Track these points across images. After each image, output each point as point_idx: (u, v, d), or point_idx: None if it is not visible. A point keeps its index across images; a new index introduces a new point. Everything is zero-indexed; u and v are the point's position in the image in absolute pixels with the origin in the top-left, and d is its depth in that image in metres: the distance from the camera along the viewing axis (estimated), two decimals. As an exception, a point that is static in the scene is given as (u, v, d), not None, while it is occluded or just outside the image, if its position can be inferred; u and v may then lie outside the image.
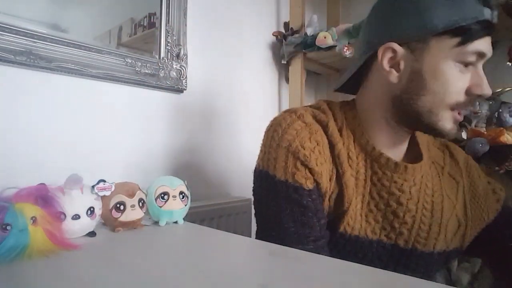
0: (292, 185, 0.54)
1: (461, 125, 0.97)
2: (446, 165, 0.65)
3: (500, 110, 0.94)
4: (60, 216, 0.51)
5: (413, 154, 0.63)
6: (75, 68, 0.78)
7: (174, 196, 0.65)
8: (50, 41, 0.75)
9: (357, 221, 0.57)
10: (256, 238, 0.63)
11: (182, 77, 1.00)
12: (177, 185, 0.67)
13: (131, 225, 0.61)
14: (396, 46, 0.53)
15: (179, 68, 1.00)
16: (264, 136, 0.61)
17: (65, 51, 0.77)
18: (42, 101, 0.76)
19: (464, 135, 0.94)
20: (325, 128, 0.58)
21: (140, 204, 0.62)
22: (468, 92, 0.52)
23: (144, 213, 0.63)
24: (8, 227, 0.43)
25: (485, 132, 0.92)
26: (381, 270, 0.42)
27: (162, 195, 0.65)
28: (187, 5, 1.01)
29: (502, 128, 0.91)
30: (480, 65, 0.53)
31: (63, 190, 0.53)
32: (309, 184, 0.54)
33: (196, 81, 1.06)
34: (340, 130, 0.59)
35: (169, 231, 0.63)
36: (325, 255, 0.52)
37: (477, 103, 0.96)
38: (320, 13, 1.47)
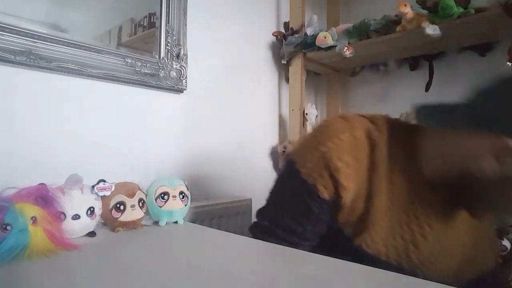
0: (309, 188, 0.56)
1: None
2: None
3: (500, 110, 0.94)
4: (60, 216, 0.51)
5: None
6: (75, 68, 0.78)
7: (174, 196, 0.66)
8: (50, 41, 0.75)
9: (375, 242, 0.57)
10: (257, 210, 0.66)
11: (182, 77, 1.00)
12: (177, 185, 0.67)
13: (131, 225, 0.61)
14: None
15: (179, 68, 0.99)
16: (312, 130, 0.63)
17: (65, 51, 0.77)
18: (42, 101, 0.76)
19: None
20: (373, 148, 0.56)
21: (140, 204, 0.62)
22: None
23: (144, 213, 0.64)
24: (8, 227, 0.43)
25: (485, 132, 0.91)
26: (381, 270, 0.42)
27: (162, 195, 0.65)
28: (187, 5, 1.01)
29: (502, 128, 0.90)
30: None
31: (63, 190, 0.53)
32: (326, 195, 0.55)
33: (196, 81, 1.06)
34: (392, 153, 0.56)
35: (169, 231, 0.63)
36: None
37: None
38: (320, 13, 1.47)
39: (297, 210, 0.57)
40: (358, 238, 0.56)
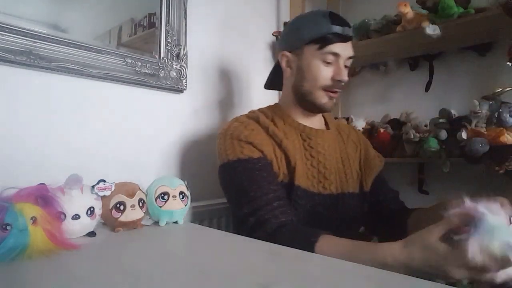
0: (244, 159, 0.73)
1: (461, 125, 0.97)
2: (350, 134, 0.93)
3: (500, 110, 0.94)
4: (60, 216, 0.51)
5: (327, 127, 0.90)
6: (75, 68, 0.79)
7: (174, 196, 0.66)
8: (50, 41, 0.75)
9: (303, 177, 0.76)
10: (234, 225, 0.80)
11: (182, 77, 1.00)
12: (177, 185, 0.67)
13: (131, 225, 0.61)
14: (287, 53, 0.82)
15: (179, 68, 1.00)
16: (217, 140, 0.81)
17: (65, 51, 0.77)
18: (42, 101, 0.76)
19: (464, 135, 0.94)
20: (257, 120, 0.80)
21: (140, 204, 0.62)
22: (332, 78, 0.77)
23: (144, 213, 0.64)
24: (8, 227, 0.43)
25: (485, 132, 0.92)
26: (381, 270, 0.42)
27: (162, 195, 0.65)
28: (187, 5, 1.02)
29: (502, 128, 0.90)
30: (341, 61, 0.77)
31: (63, 190, 0.53)
32: (256, 155, 0.73)
33: (196, 81, 1.06)
34: (272, 120, 0.82)
35: (169, 231, 0.63)
36: (287, 203, 0.72)
37: (477, 103, 0.96)
38: (320, 13, 1.47)
39: (255, 177, 0.71)
40: (295, 179, 0.75)
